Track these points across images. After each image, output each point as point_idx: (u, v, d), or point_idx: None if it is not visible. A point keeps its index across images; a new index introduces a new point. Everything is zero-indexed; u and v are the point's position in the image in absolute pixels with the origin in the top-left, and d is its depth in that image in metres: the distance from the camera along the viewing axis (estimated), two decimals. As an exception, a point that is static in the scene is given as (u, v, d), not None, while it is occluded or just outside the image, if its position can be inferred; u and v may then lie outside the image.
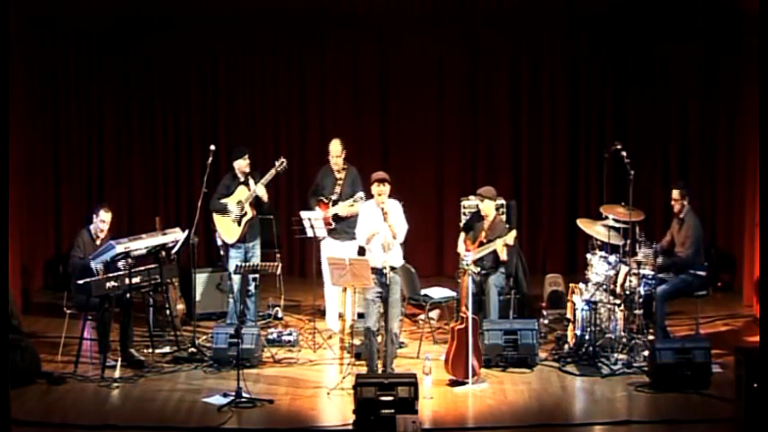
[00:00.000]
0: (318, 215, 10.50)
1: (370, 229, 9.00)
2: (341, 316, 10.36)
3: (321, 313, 11.04)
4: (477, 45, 12.94)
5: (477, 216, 10.33)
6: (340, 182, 10.46)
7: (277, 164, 10.41)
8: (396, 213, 9.01)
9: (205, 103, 13.05)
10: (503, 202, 11.06)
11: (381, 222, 8.96)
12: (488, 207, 10.14)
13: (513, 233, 9.88)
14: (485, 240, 9.93)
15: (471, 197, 11.05)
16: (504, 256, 9.88)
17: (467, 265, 9.27)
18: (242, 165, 10.50)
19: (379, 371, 8.87)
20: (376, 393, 7.95)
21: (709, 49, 12.47)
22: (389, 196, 9.02)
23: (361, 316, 9.79)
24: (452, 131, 13.12)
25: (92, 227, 9.76)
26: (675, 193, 10.09)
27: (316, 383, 9.13)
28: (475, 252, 9.78)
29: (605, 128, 12.79)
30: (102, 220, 9.71)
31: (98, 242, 9.70)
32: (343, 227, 10.31)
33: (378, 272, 8.88)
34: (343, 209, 10.26)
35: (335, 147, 10.52)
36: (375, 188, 8.98)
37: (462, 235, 10.23)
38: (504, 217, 10.85)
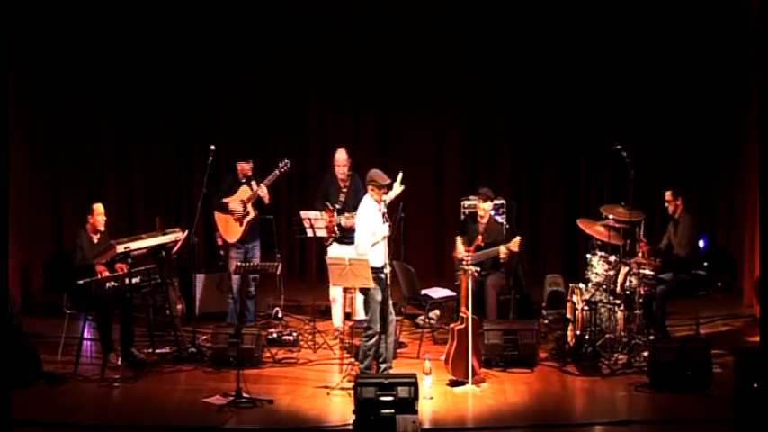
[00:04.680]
0: (319, 215, 10.49)
1: (372, 237, 8.96)
2: (349, 316, 10.37)
3: (321, 313, 11.04)
4: (477, 46, 12.93)
5: (471, 218, 10.30)
6: (344, 190, 10.42)
7: (281, 165, 10.41)
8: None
9: (205, 103, 13.05)
10: (503, 202, 11.05)
11: (380, 223, 8.99)
12: (489, 207, 10.16)
13: (517, 239, 9.87)
14: (482, 244, 9.87)
15: (471, 197, 11.04)
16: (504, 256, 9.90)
17: (467, 265, 9.25)
18: (245, 167, 10.52)
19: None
20: (376, 393, 7.95)
21: (710, 48, 12.45)
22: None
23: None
24: (452, 132, 13.11)
25: (89, 226, 9.74)
26: (668, 194, 10.10)
27: (316, 383, 9.13)
28: (475, 257, 9.72)
29: (605, 128, 12.78)
30: (99, 214, 9.68)
31: (97, 237, 9.69)
32: (348, 235, 10.17)
33: (379, 271, 8.89)
34: (345, 221, 10.22)
35: (341, 156, 10.44)
36: (381, 193, 8.99)
37: (459, 239, 10.20)
38: (504, 217, 10.84)
